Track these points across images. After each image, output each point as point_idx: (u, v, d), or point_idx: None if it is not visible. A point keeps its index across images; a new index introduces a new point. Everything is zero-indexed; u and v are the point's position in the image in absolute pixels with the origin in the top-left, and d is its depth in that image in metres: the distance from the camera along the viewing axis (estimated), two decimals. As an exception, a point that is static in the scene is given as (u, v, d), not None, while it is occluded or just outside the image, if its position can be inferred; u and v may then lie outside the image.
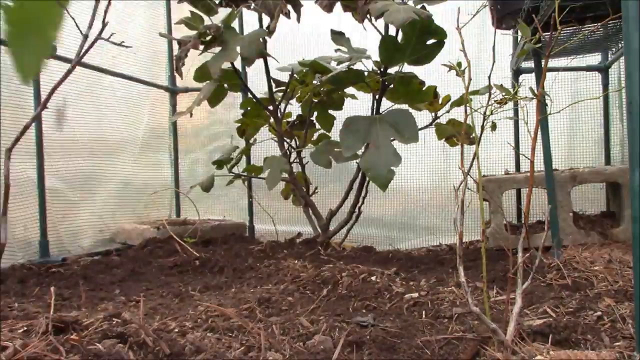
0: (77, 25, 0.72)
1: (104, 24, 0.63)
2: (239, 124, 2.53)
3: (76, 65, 0.64)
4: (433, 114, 2.30)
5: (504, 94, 1.06)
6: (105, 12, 0.66)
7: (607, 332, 1.01)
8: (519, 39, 2.14)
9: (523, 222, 1.01)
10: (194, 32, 1.92)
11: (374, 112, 2.16)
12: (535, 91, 0.99)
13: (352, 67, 2.05)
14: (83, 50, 0.64)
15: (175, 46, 2.00)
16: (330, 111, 2.42)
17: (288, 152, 2.38)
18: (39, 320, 0.89)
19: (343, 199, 2.28)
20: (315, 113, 2.40)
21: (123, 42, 0.66)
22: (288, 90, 2.26)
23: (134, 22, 2.75)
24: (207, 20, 2.01)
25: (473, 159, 0.95)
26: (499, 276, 1.56)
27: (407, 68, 2.09)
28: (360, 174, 2.19)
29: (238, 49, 1.87)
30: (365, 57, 2.08)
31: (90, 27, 0.65)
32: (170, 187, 3.11)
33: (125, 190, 2.73)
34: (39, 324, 0.85)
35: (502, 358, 0.86)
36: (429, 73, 2.20)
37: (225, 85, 2.33)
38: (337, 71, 2.06)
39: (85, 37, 0.63)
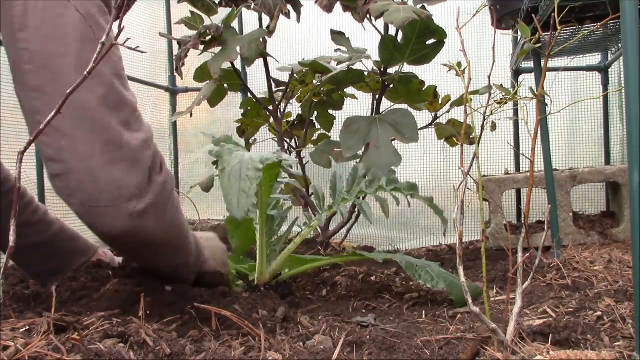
0: (93, 32, 0.72)
1: (120, 29, 0.63)
2: (239, 124, 2.53)
3: (92, 71, 0.64)
4: (433, 113, 2.30)
5: (504, 94, 1.06)
6: (121, 18, 0.66)
7: (607, 332, 1.01)
8: (518, 39, 2.14)
9: (523, 222, 1.01)
10: (194, 32, 1.92)
11: (374, 112, 2.16)
12: (535, 91, 1.00)
13: (352, 67, 2.05)
14: (100, 57, 0.64)
15: (175, 46, 2.00)
16: (330, 111, 2.42)
17: (288, 152, 2.38)
18: (40, 319, 0.89)
19: (343, 199, 2.28)
20: (315, 113, 2.40)
21: (138, 46, 0.65)
22: (288, 90, 2.26)
23: (134, 22, 2.75)
24: (207, 20, 2.01)
25: (473, 159, 0.95)
26: (499, 276, 1.56)
27: (407, 68, 2.09)
28: (360, 174, 2.19)
29: (238, 49, 1.87)
30: (365, 57, 2.08)
31: (107, 34, 0.65)
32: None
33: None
34: (40, 324, 0.85)
35: (502, 358, 0.86)
36: (429, 73, 2.20)
37: (225, 85, 2.33)
38: (337, 71, 2.06)
39: (102, 44, 0.63)
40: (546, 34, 1.50)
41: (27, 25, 0.91)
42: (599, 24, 1.35)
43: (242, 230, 1.53)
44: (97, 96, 0.93)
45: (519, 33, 1.46)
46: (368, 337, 0.98)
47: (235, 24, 2.04)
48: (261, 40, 1.94)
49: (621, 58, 1.33)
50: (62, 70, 0.91)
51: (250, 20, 2.75)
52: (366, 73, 2.13)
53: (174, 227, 1.08)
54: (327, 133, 2.47)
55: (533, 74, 1.90)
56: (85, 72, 0.63)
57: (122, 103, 0.97)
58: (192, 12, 2.01)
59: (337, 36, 2.12)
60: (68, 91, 0.64)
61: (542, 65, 1.09)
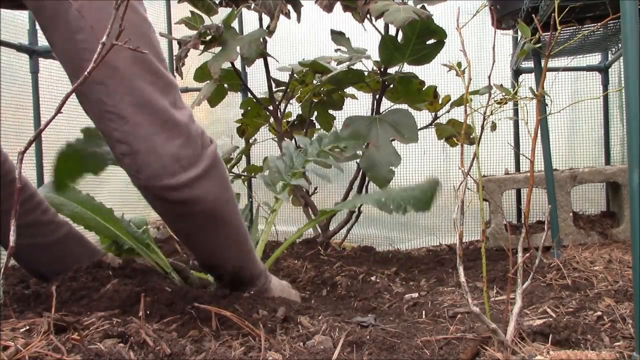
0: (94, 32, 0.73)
1: (121, 29, 0.64)
2: (239, 124, 2.54)
3: (92, 70, 0.64)
4: (433, 113, 2.30)
5: (504, 94, 1.06)
6: (122, 17, 0.66)
7: (607, 332, 1.01)
8: (518, 39, 2.14)
9: (523, 222, 1.01)
10: (194, 32, 1.92)
11: (374, 112, 2.16)
12: (535, 91, 1.00)
13: (352, 67, 2.05)
14: (100, 56, 0.64)
15: (175, 46, 2.00)
16: (330, 111, 2.42)
17: (288, 152, 2.38)
18: (40, 319, 0.89)
19: (343, 199, 2.28)
20: (315, 113, 2.40)
21: (138, 47, 0.65)
22: (288, 90, 2.26)
23: (134, 22, 2.75)
24: (207, 20, 2.01)
25: (473, 159, 0.95)
26: (499, 276, 1.56)
27: (407, 68, 2.09)
28: (360, 174, 2.19)
29: (238, 49, 1.87)
30: (365, 57, 2.08)
31: (108, 34, 0.65)
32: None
33: (126, 190, 2.73)
34: (41, 324, 0.85)
35: (502, 358, 0.86)
36: (429, 73, 2.20)
37: (225, 85, 2.33)
38: (337, 71, 2.06)
39: (102, 44, 0.63)
40: (546, 34, 1.50)
41: (84, 27, 0.97)
42: (599, 24, 1.35)
43: None
44: (148, 83, 1.03)
45: (519, 33, 1.46)
46: (368, 337, 0.98)
47: (235, 24, 2.04)
48: (261, 40, 1.94)
49: (621, 58, 1.33)
50: (120, 64, 1.00)
51: (250, 20, 2.75)
52: (366, 73, 2.13)
53: (229, 200, 1.16)
54: (327, 133, 2.47)
55: (533, 74, 1.90)
56: (86, 73, 0.63)
57: (169, 86, 1.07)
58: (192, 12, 2.01)
59: (337, 36, 2.12)
60: (67, 92, 0.64)
61: (542, 65, 1.09)
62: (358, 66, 2.08)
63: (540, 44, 1.06)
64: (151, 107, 1.03)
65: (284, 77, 2.31)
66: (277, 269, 1.77)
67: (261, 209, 1.65)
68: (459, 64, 1.07)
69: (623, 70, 0.86)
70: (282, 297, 1.32)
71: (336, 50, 2.14)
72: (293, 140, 1.62)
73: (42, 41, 2.13)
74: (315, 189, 2.51)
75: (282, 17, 1.95)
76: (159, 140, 1.03)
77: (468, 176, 0.95)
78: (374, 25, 2.04)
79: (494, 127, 2.08)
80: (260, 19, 2.19)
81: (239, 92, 2.62)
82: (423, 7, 1.89)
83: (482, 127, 1.00)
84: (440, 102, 2.24)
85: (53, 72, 2.19)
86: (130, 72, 1.01)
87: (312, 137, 2.47)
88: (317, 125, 2.46)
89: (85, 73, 0.63)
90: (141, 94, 1.02)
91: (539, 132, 1.03)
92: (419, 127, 1.98)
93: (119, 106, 1.01)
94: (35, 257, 1.33)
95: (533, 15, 1.46)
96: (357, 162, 2.11)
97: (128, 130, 1.02)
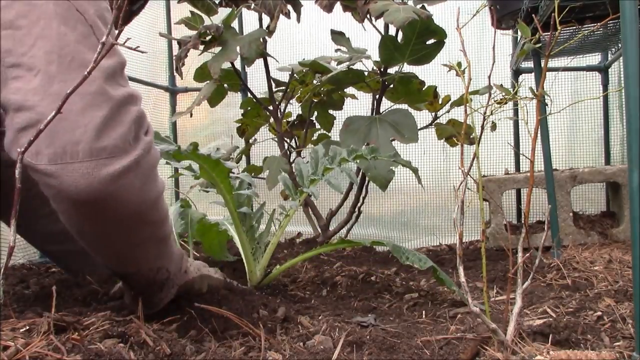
0: (94, 32, 0.70)
1: (120, 30, 0.63)
2: (239, 124, 2.54)
3: (92, 71, 0.63)
4: (433, 113, 2.30)
5: (504, 94, 1.06)
6: (119, 17, 0.65)
7: (607, 332, 1.01)
8: (518, 39, 2.14)
9: (523, 222, 1.01)
10: (194, 32, 1.92)
11: (374, 112, 2.17)
12: (535, 91, 1.00)
13: (352, 67, 2.05)
14: (100, 56, 0.63)
15: (175, 46, 2.00)
16: (330, 111, 2.42)
17: (288, 152, 2.38)
18: (40, 319, 0.89)
19: (343, 199, 2.28)
20: (315, 113, 2.40)
21: (138, 46, 0.61)
22: (288, 90, 2.26)
23: (134, 21, 2.75)
24: (207, 20, 2.01)
25: (473, 159, 0.95)
26: (499, 276, 1.56)
27: (407, 68, 2.09)
28: (360, 174, 2.19)
29: (238, 49, 1.87)
30: (365, 57, 2.08)
31: (108, 34, 0.64)
32: (170, 187, 3.10)
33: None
34: (41, 324, 0.85)
35: (502, 358, 0.87)
36: (429, 73, 2.20)
37: (225, 85, 2.33)
38: (337, 71, 2.07)
39: (102, 44, 0.62)
40: (546, 34, 1.50)
41: None
42: (599, 24, 1.35)
43: (212, 232, 1.59)
44: (77, 33, 0.80)
45: (519, 33, 1.46)
46: (368, 337, 0.98)
47: (235, 24, 2.04)
48: (261, 40, 1.94)
49: (621, 58, 1.33)
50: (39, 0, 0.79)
51: (250, 20, 2.75)
52: (366, 73, 2.13)
53: (155, 204, 0.89)
54: (327, 133, 2.48)
55: (533, 74, 1.90)
56: (86, 72, 0.63)
57: (110, 53, 0.80)
58: (192, 12, 2.01)
59: (337, 36, 2.12)
60: (68, 91, 0.63)
61: (542, 65, 1.09)
62: (358, 66, 2.08)
63: (540, 44, 1.06)
64: (72, 60, 0.78)
65: (284, 77, 2.31)
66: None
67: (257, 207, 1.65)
68: (459, 64, 1.07)
69: (623, 70, 0.86)
70: (204, 274, 1.15)
71: (336, 50, 2.14)
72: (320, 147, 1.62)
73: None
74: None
75: (282, 17, 1.95)
76: (77, 104, 0.75)
77: (468, 176, 0.95)
78: (374, 25, 2.04)
79: (494, 127, 2.08)
80: (260, 19, 2.19)
81: (239, 92, 2.62)
82: (423, 7, 1.89)
83: (482, 127, 1.00)
84: (440, 102, 2.25)
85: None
86: (52, 11, 0.78)
87: (312, 137, 2.48)
88: (317, 125, 2.46)
89: (86, 73, 0.63)
90: (61, 39, 0.77)
91: (539, 132, 1.03)
92: (419, 127, 1.98)
93: (28, 53, 0.77)
94: (71, 261, 1.33)
95: (533, 15, 1.46)
96: (356, 162, 2.11)
97: (36, 86, 0.76)
